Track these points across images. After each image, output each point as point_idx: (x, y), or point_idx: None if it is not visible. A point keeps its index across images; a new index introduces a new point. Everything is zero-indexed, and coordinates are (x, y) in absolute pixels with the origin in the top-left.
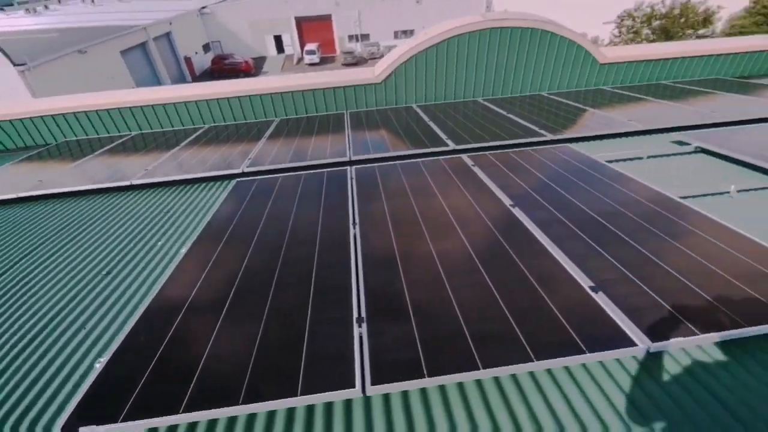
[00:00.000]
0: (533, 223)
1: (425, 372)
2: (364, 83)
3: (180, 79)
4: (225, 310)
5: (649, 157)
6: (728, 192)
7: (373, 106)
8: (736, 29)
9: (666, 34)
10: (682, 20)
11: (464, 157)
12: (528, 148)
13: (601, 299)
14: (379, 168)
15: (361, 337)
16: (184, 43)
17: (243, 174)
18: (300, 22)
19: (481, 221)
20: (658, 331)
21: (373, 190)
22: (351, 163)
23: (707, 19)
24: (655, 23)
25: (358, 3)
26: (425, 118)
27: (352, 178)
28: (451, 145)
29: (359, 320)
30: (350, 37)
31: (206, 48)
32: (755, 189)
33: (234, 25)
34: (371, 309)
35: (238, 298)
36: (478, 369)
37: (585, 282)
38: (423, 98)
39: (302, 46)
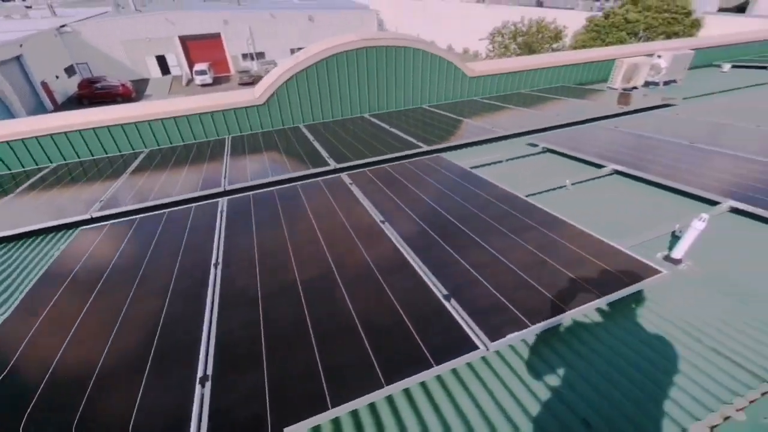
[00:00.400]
0: (400, 238)
1: (269, 425)
2: (245, 105)
3: (39, 109)
4: (37, 397)
5: (507, 160)
6: (565, 186)
7: (258, 128)
8: (579, 43)
9: (529, 48)
10: (540, 36)
11: (344, 176)
12: (405, 161)
13: (452, 306)
14: (255, 196)
15: (202, 399)
16: (40, 66)
17: (91, 220)
18: (185, 41)
19: (351, 242)
20: (497, 329)
21: (243, 223)
22: (225, 193)
23: (557, 35)
24: (519, 39)
25: (249, 21)
26: (310, 137)
27: (222, 212)
28: (332, 165)
29: (203, 379)
30: (244, 56)
31: (70, 71)
32: (585, 180)
33: (105, 45)
34: (219, 364)
35: (54, 380)
36: (327, 409)
37: (440, 291)
38: (310, 117)
39: (191, 66)
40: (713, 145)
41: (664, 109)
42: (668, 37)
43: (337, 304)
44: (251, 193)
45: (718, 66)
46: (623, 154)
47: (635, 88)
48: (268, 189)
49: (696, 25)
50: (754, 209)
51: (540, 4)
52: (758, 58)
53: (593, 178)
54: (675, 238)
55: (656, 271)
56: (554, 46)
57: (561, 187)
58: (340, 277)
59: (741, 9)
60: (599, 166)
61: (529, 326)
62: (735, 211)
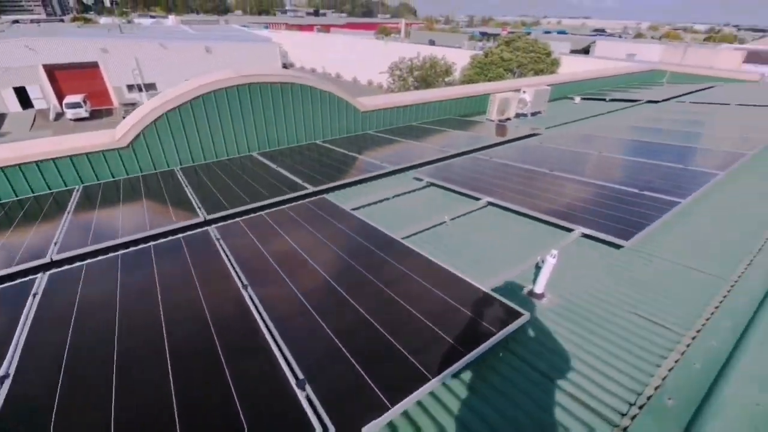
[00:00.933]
0: (261, 306)
1: None
2: (103, 149)
3: None
4: None
5: (394, 196)
6: (444, 222)
7: (121, 174)
8: (467, 77)
9: (425, 81)
10: (433, 71)
11: (213, 229)
12: (287, 205)
13: (306, 395)
14: (90, 267)
15: None
16: None
17: None
18: (52, 70)
19: (201, 319)
20: (353, 419)
21: (61, 309)
22: (49, 266)
23: (448, 71)
24: (416, 73)
25: (135, 50)
26: (184, 182)
27: (36, 294)
28: (201, 216)
29: None
30: (130, 87)
31: None
32: (463, 214)
33: None
34: None
35: None
36: None
37: (295, 375)
38: (189, 158)
39: (61, 98)
40: (569, 172)
41: (531, 138)
42: (536, 73)
43: (162, 414)
44: (86, 262)
45: (572, 98)
46: (496, 186)
47: (509, 119)
48: (112, 254)
49: (555, 63)
50: (598, 234)
51: (432, 43)
52: (598, 92)
53: (471, 212)
54: (539, 268)
55: (519, 314)
56: (447, 79)
57: (441, 223)
58: (173, 368)
59: (586, 51)
60: (476, 199)
61: (390, 408)
62: (585, 236)
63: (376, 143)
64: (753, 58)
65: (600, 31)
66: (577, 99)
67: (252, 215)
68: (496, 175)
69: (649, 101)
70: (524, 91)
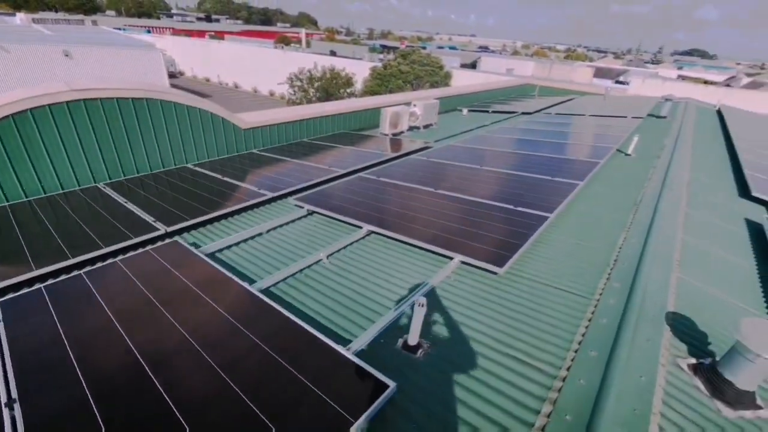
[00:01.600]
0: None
1: None
2: None
3: None
4: None
5: (269, 231)
6: (321, 260)
7: None
8: (368, 89)
9: (326, 92)
10: (334, 82)
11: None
12: (122, 256)
13: None
14: None
15: None
16: None
17: None
18: None
19: None
20: None
21: None
22: None
23: (348, 82)
24: (317, 84)
25: None
26: None
27: None
28: None
29: None
30: None
31: None
32: (344, 247)
33: None
34: None
35: None
36: None
37: None
38: (1, 196)
39: None
40: (452, 189)
41: (420, 153)
42: (432, 85)
43: None
44: None
45: (460, 110)
46: (380, 211)
47: (402, 132)
48: None
49: (448, 76)
50: (475, 261)
51: (333, 54)
52: (482, 104)
53: (352, 243)
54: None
55: (384, 387)
56: (348, 90)
57: (318, 262)
58: None
59: (473, 66)
60: (358, 227)
61: None
62: (464, 263)
63: (258, 164)
64: (599, 73)
65: (484, 48)
66: (465, 111)
67: (65, 276)
68: (381, 198)
69: (524, 113)
70: (414, 105)
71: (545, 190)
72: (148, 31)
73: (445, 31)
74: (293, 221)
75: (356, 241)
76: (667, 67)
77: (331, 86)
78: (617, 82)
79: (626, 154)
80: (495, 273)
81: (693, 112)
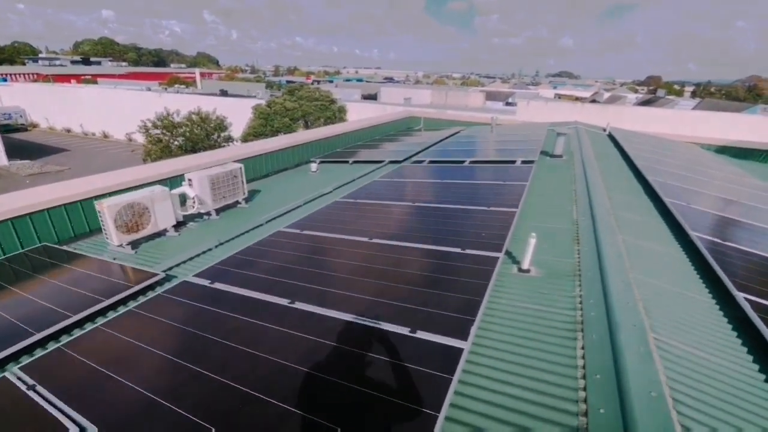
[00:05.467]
0: None
1: None
2: None
3: None
4: None
5: None
6: None
7: None
8: (251, 130)
9: (191, 141)
10: (202, 128)
11: None
12: None
13: None
14: None
15: None
16: None
17: None
18: None
19: None
20: None
21: None
22: None
23: (220, 125)
24: (182, 130)
25: None
26: None
27: None
28: None
29: None
30: None
31: None
32: None
33: None
34: None
35: None
36: None
37: None
38: None
39: None
40: None
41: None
42: (326, 121)
43: None
44: None
45: (313, 162)
46: None
47: (161, 233)
48: None
49: (342, 110)
50: None
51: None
52: (346, 149)
53: None
54: None
55: None
56: (224, 135)
57: None
58: None
59: (374, 97)
60: None
61: None
62: None
63: None
64: (491, 96)
65: (389, 79)
66: (315, 165)
67: None
68: None
69: (392, 161)
70: (189, 181)
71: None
72: (4, 79)
73: (352, 65)
74: None
75: None
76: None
77: (193, 134)
78: (507, 103)
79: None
80: None
81: (587, 142)
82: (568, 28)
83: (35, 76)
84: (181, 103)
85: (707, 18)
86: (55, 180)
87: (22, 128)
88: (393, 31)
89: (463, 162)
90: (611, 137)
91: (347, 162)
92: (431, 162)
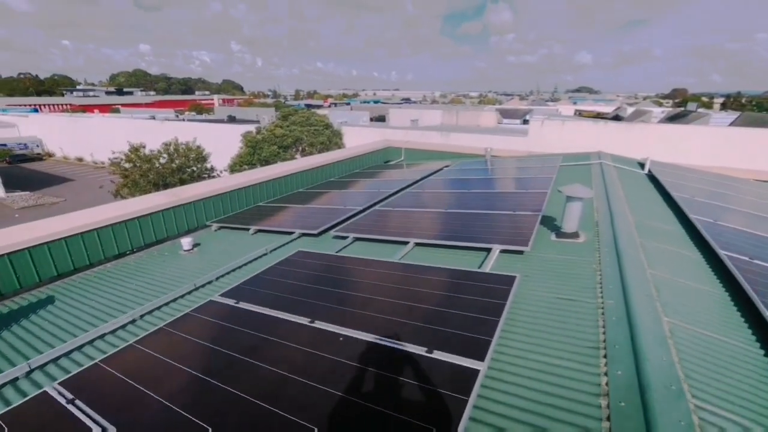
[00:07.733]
0: None
1: None
2: None
3: None
4: None
5: None
6: None
7: None
8: (238, 159)
9: (163, 177)
10: (184, 158)
11: None
12: None
13: None
14: None
15: None
16: None
17: None
18: None
19: None
20: None
21: None
22: None
23: (199, 157)
24: (156, 164)
25: None
26: None
27: None
28: None
29: None
30: None
31: None
32: None
33: None
34: None
35: None
36: None
37: None
38: None
39: None
40: None
41: None
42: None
43: None
44: None
45: (209, 227)
46: None
47: None
48: None
49: (338, 135)
50: None
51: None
52: (288, 195)
53: None
54: None
55: None
56: (207, 166)
57: None
58: None
59: (383, 119)
60: None
61: None
62: None
63: None
64: (506, 114)
65: (407, 99)
66: (187, 242)
67: None
68: None
69: (305, 234)
70: None
71: None
72: (36, 110)
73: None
74: None
75: None
76: (565, 103)
77: (165, 167)
78: (524, 121)
79: None
80: None
81: (620, 199)
82: (583, 44)
83: (68, 106)
84: (181, 131)
85: (726, 31)
86: (48, 213)
87: (38, 158)
88: (409, 53)
89: (405, 243)
90: (654, 180)
91: (247, 229)
92: (357, 239)
